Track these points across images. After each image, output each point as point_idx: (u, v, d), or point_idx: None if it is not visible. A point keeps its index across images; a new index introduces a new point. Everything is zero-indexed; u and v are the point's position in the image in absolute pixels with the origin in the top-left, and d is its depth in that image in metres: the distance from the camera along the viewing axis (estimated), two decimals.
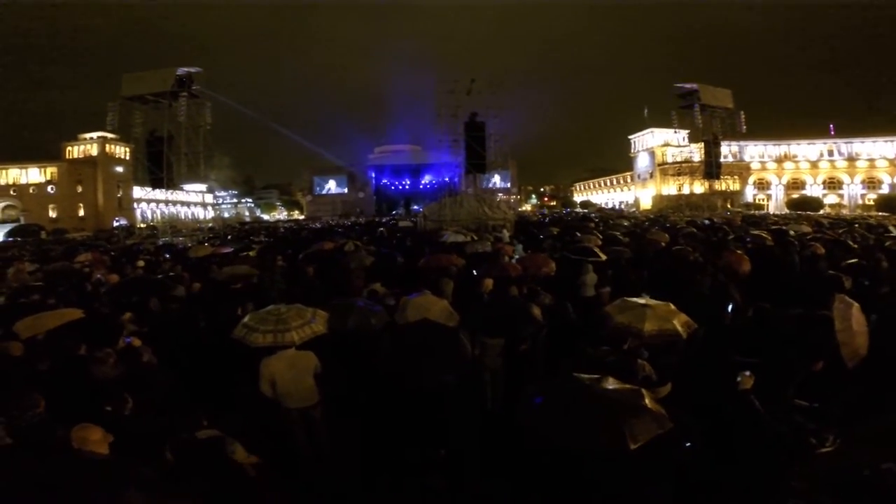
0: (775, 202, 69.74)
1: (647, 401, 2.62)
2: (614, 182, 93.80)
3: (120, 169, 65.11)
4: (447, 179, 51.93)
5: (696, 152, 56.79)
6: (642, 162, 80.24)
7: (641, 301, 4.57)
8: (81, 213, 62.55)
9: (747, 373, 3.29)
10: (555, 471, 2.54)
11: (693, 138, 55.66)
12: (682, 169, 64.95)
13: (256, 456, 2.92)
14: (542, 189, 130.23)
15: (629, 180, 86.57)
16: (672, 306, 4.53)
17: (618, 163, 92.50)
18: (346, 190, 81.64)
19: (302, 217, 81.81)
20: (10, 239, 44.30)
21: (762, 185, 72.81)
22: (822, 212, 52.14)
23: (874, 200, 60.60)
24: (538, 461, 2.64)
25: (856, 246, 11.62)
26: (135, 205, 67.15)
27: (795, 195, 66.59)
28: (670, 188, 71.28)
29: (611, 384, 2.71)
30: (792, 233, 15.82)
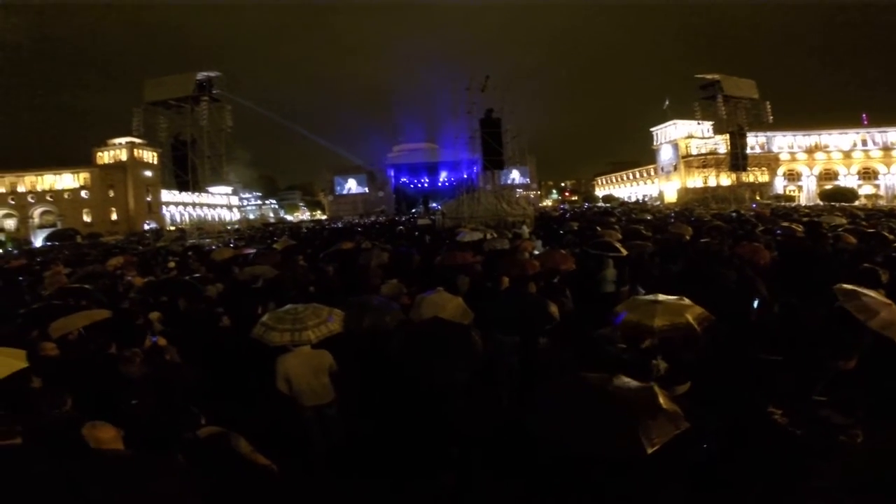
0: (807, 193, 67.33)
1: (661, 399, 2.51)
2: (637, 175, 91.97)
3: (149, 173, 67.06)
4: (465, 176, 51.93)
5: (722, 144, 55.16)
6: (665, 154, 78.43)
7: (652, 298, 4.42)
8: (114, 216, 64.70)
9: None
10: (566, 473, 2.48)
11: (717, 130, 54.09)
12: (708, 161, 63.20)
13: (272, 451, 2.96)
14: (562, 184, 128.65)
15: (652, 173, 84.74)
16: (686, 300, 4.36)
17: (640, 156, 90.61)
18: (366, 189, 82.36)
19: (324, 217, 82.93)
20: (49, 244, 46.28)
21: (793, 177, 70.28)
22: (857, 203, 50.05)
23: None
24: (549, 463, 2.57)
25: (893, 237, 11.11)
26: (163, 208, 69.14)
27: (828, 186, 64.11)
28: (696, 181, 69.54)
29: (622, 382, 2.60)
30: (825, 225, 15.21)
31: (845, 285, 4.56)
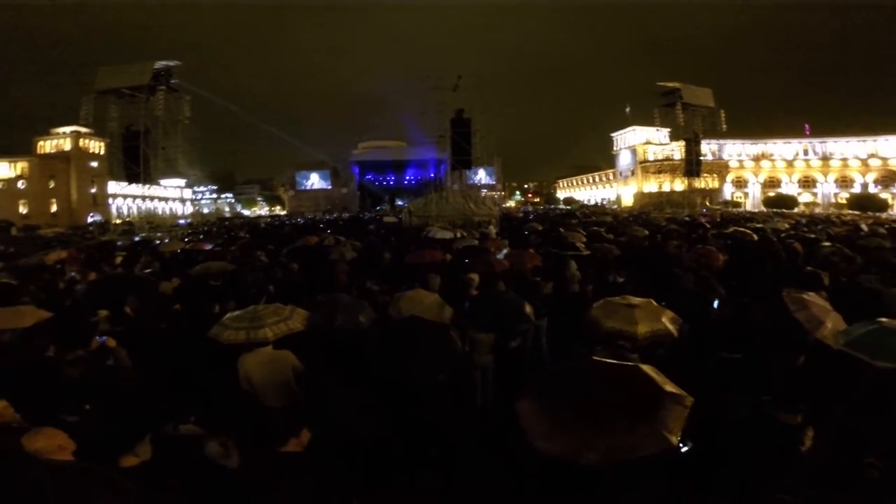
0: (752, 200, 71.40)
1: (656, 377, 2.33)
2: (597, 179, 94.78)
3: (94, 164, 63.31)
4: (432, 175, 51.95)
5: (677, 150, 57.72)
6: (624, 159, 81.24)
7: (625, 301, 4.44)
8: (54, 208, 60.62)
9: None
10: (553, 472, 2.41)
11: (674, 136, 56.57)
12: (663, 167, 66.08)
13: (238, 454, 2.81)
14: (525, 185, 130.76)
15: (611, 177, 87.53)
16: (654, 303, 4.46)
17: (600, 160, 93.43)
18: (329, 185, 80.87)
19: (283, 213, 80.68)
20: None
21: (740, 184, 74.44)
22: (796, 210, 53.53)
23: (846, 199, 62.47)
24: (537, 463, 2.48)
25: (829, 244, 11.90)
26: (110, 200, 65.31)
27: (772, 193, 68.19)
28: (651, 185, 72.41)
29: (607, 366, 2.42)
30: (769, 230, 16.16)
31: (794, 292, 4.81)
